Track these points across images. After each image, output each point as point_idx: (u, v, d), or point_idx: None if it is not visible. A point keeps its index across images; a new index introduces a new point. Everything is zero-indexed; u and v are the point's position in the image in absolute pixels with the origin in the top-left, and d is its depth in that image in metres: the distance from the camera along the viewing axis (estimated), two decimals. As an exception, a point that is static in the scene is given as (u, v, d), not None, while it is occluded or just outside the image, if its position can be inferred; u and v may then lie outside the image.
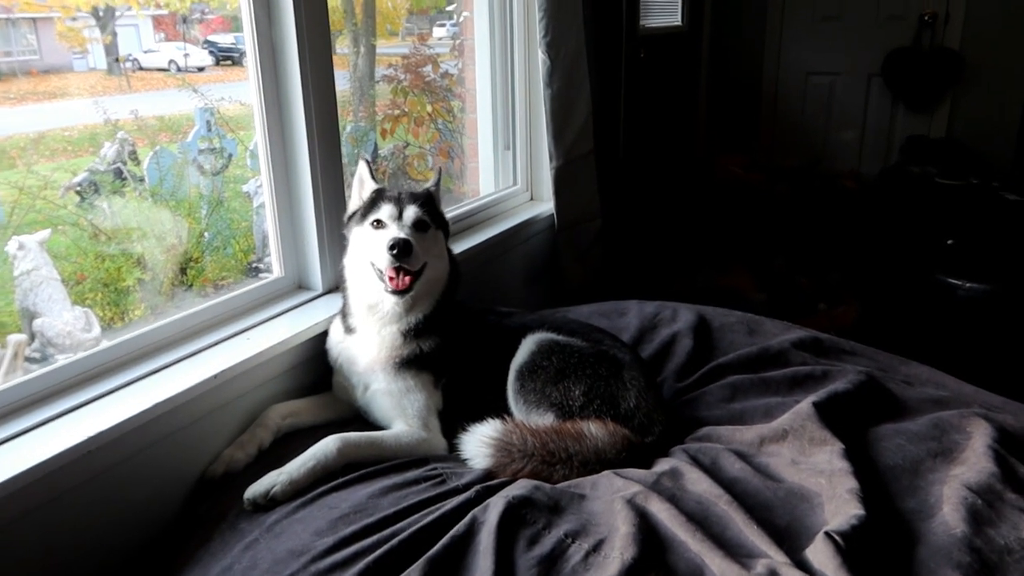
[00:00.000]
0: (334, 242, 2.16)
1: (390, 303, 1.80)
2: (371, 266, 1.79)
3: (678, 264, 4.34)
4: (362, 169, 1.94)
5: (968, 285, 3.44)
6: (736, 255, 4.40)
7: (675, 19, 4.99)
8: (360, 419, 1.90)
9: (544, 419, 1.74)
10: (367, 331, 1.85)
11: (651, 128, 4.49)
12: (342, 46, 3.07)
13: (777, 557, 1.32)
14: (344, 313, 1.92)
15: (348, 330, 1.89)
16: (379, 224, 1.80)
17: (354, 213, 1.91)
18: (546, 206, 3.18)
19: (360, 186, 1.95)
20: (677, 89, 5.10)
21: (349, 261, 1.89)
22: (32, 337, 1.96)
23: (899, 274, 3.87)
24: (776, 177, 4.86)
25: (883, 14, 4.95)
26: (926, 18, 4.75)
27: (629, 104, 3.99)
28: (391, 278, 1.74)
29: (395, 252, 1.70)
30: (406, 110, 3.30)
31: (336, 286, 2.10)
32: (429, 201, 1.88)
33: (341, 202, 2.16)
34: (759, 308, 2.70)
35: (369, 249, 1.80)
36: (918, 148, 4.70)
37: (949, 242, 3.78)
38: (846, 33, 5.10)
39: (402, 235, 1.73)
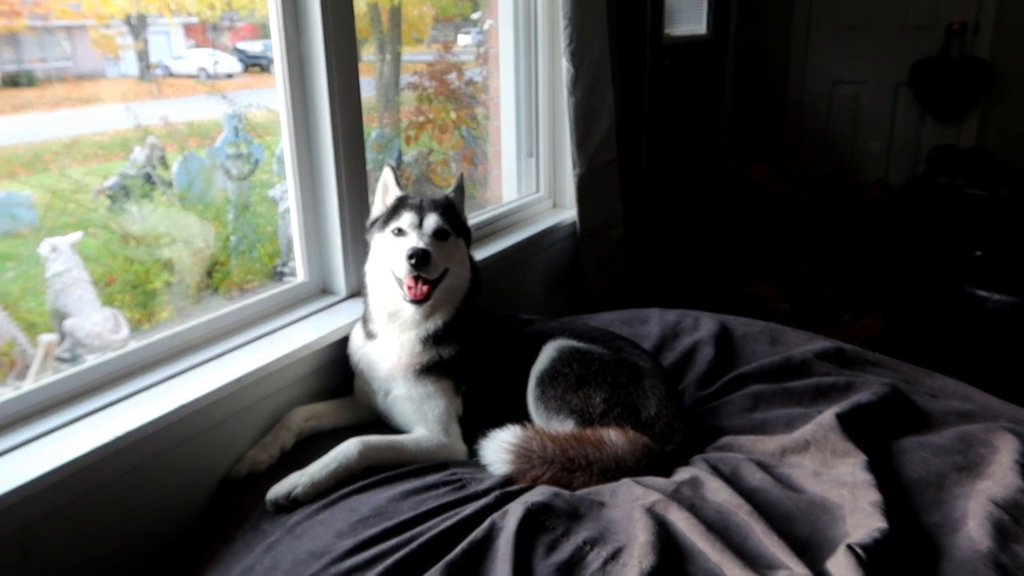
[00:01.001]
0: (357, 247, 2.18)
1: (409, 311, 1.81)
2: (391, 274, 1.80)
3: (702, 273, 4.32)
4: (387, 175, 1.95)
5: (996, 297, 3.39)
6: (761, 264, 4.37)
7: (700, 28, 4.97)
8: (381, 423, 1.91)
9: (564, 426, 1.74)
10: (387, 337, 1.86)
11: (675, 136, 4.48)
12: (368, 53, 3.09)
13: (797, 569, 1.31)
14: (365, 319, 1.93)
15: (369, 336, 1.90)
16: (400, 232, 1.81)
17: (376, 219, 1.92)
18: (569, 213, 3.19)
19: (384, 192, 1.95)
20: (702, 98, 5.08)
21: (370, 267, 1.90)
22: (62, 337, 2.00)
23: (925, 285, 3.82)
24: (801, 186, 4.82)
25: (910, 23, 4.90)
26: (954, 27, 4.69)
27: (653, 112, 3.98)
28: (409, 287, 1.75)
29: (413, 262, 1.71)
30: (431, 117, 3.32)
31: (359, 291, 2.12)
32: (450, 209, 1.89)
33: (365, 208, 2.18)
34: (783, 318, 2.68)
35: (389, 257, 1.81)
36: (946, 158, 4.63)
37: (977, 253, 3.72)
38: (873, 42, 5.05)
39: (421, 245, 1.73)
